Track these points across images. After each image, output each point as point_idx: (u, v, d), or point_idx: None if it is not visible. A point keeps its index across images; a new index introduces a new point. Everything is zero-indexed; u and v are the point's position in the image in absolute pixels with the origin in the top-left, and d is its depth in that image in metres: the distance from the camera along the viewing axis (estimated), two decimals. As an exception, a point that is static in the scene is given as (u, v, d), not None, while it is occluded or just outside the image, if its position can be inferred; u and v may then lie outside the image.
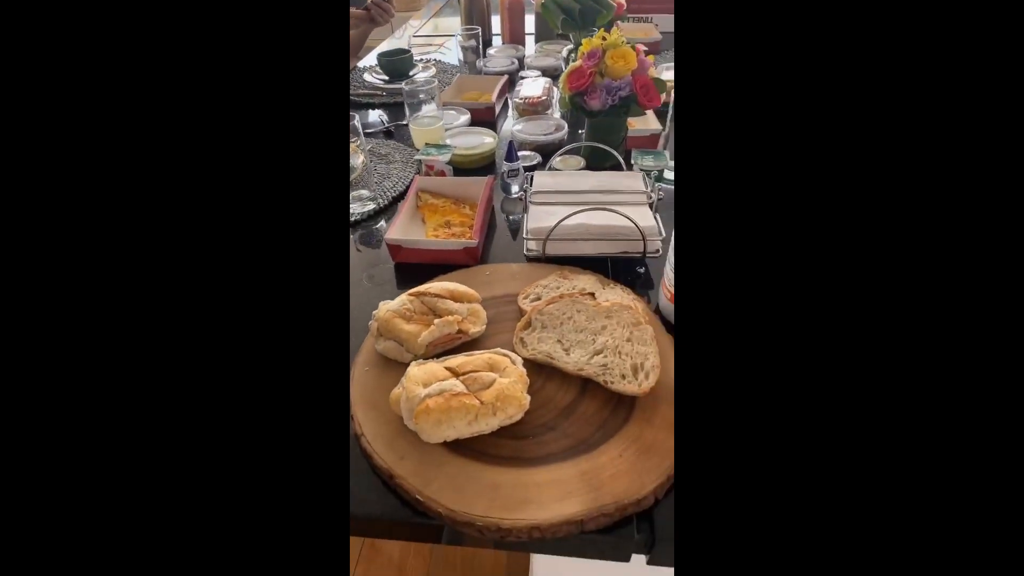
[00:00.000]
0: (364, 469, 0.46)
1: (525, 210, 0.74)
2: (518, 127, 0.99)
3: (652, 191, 0.73)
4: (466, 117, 1.05)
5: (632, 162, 0.81)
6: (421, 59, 1.46)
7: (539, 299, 0.60)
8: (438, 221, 0.78)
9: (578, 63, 0.83)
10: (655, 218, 0.69)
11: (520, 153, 0.92)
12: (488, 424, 0.44)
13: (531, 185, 0.76)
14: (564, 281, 0.62)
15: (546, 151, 0.97)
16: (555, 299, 0.56)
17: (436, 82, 1.01)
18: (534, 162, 0.91)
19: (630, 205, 0.71)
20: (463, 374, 0.47)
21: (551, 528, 0.39)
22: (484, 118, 1.10)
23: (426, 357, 0.52)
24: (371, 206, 0.85)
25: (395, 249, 0.71)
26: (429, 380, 0.46)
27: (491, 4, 1.54)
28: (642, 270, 0.68)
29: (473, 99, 1.15)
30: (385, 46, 1.70)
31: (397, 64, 1.30)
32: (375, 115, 1.19)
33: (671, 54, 1.40)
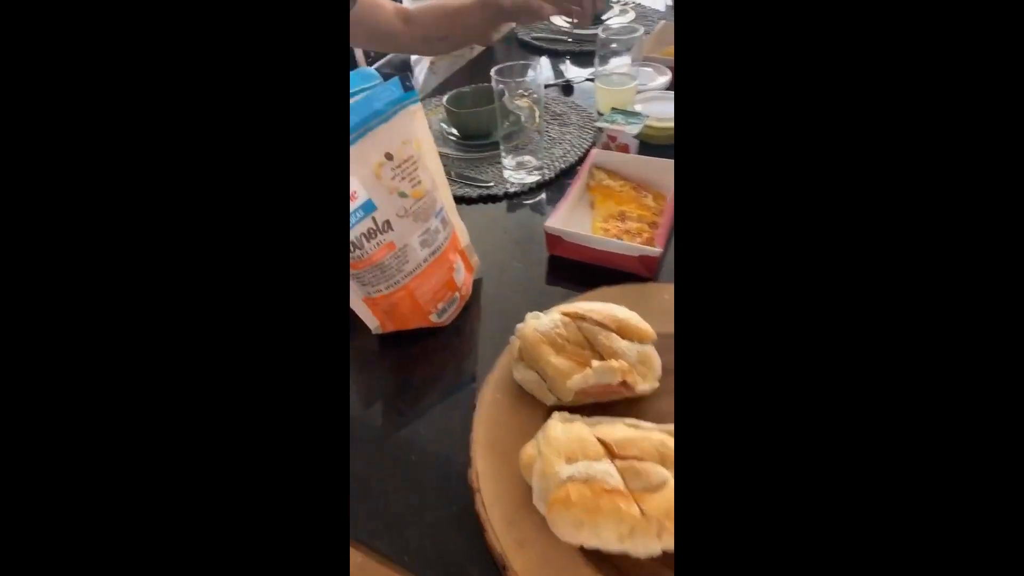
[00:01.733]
0: (473, 530, 0.37)
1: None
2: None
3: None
4: (666, 78, 0.86)
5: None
6: (618, 1, 1.26)
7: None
8: (610, 210, 0.64)
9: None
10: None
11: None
12: (647, 547, 0.32)
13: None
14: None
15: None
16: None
17: (641, 30, 0.83)
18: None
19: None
20: (623, 458, 0.34)
21: None
22: (685, 81, 0.90)
23: (573, 406, 0.41)
24: (536, 177, 0.73)
25: (553, 240, 0.59)
26: (574, 452, 0.34)
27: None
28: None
29: (672, 54, 0.95)
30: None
31: (591, 5, 1.12)
32: (555, 65, 1.04)
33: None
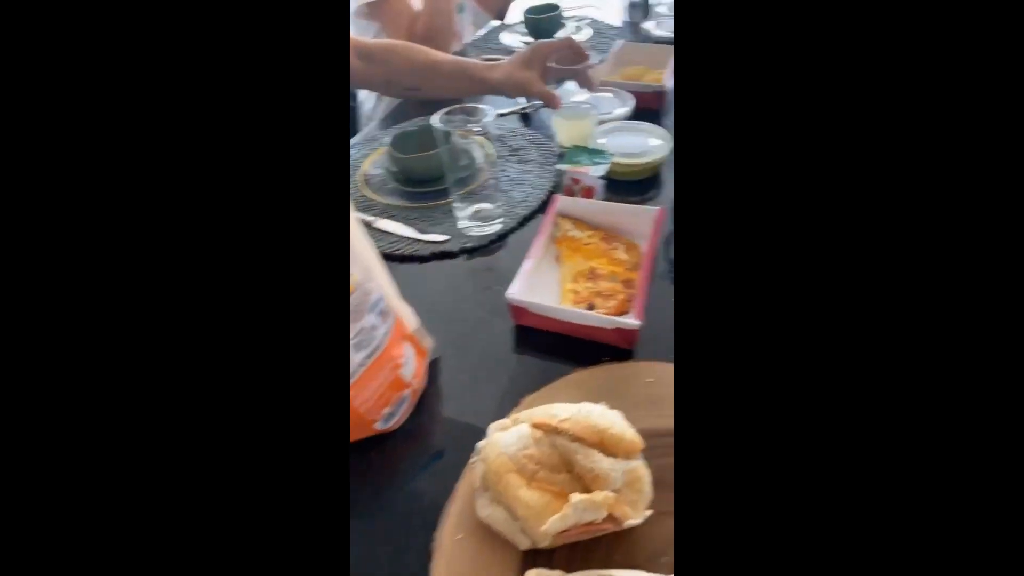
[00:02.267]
0: None
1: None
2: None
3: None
4: (628, 107, 0.80)
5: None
6: (574, 17, 1.20)
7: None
8: (579, 267, 0.57)
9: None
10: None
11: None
12: None
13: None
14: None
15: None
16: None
17: (598, 59, 0.77)
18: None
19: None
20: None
21: None
22: (649, 105, 0.84)
23: (552, 548, 0.33)
24: (495, 226, 0.65)
25: (518, 311, 0.52)
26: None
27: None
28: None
29: (635, 76, 0.89)
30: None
31: (542, 23, 1.06)
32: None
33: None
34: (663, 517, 0.36)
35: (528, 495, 0.34)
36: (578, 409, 0.37)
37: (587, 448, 0.35)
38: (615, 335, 0.48)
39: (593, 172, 0.64)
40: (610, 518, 0.33)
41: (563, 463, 0.35)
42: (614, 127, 0.75)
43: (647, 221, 0.58)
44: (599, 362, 0.47)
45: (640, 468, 0.36)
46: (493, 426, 0.39)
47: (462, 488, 0.38)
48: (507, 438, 0.37)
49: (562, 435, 0.36)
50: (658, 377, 0.44)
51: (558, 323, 0.50)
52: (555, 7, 1.08)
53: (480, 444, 0.38)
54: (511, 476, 0.35)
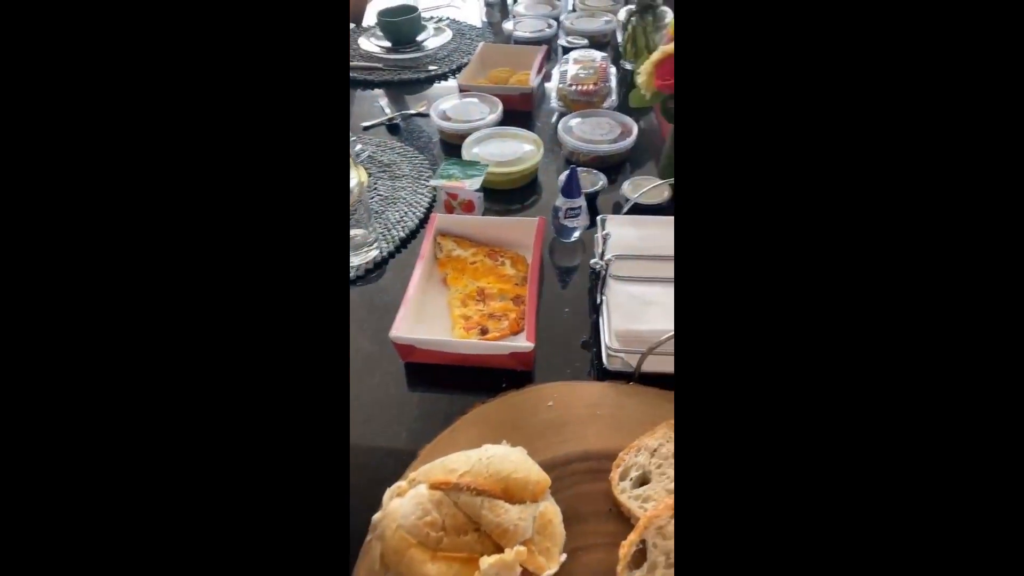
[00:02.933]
0: None
1: (600, 289, 0.49)
2: (570, 127, 0.73)
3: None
4: (497, 112, 0.78)
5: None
6: (433, 18, 1.15)
7: (645, 482, 0.37)
8: (466, 288, 0.54)
9: (670, 48, 0.56)
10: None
11: (582, 171, 0.66)
12: None
13: (607, 243, 0.51)
14: (682, 440, 0.38)
15: (605, 164, 0.71)
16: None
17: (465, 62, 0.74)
18: (596, 186, 0.65)
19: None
20: None
21: None
22: (519, 108, 0.83)
23: (468, 622, 0.30)
24: (371, 254, 0.60)
25: (405, 349, 0.48)
26: None
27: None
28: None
29: (501, 80, 0.88)
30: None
31: (401, 26, 1.00)
32: (371, 100, 0.91)
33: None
34: (579, 553, 0.34)
35: (435, 570, 0.30)
36: (479, 457, 0.35)
37: (492, 500, 0.32)
38: (511, 359, 0.46)
39: (469, 185, 0.61)
40: (525, 573, 0.31)
41: (469, 522, 0.32)
42: (484, 135, 0.72)
43: (530, 232, 0.56)
44: (499, 390, 0.45)
45: (550, 509, 0.34)
46: (388, 492, 0.35)
47: (360, 573, 0.33)
48: (404, 506, 0.33)
49: (464, 492, 0.33)
50: (557, 399, 0.43)
51: (451, 356, 0.47)
52: (412, 8, 1.03)
53: (375, 518, 0.34)
54: (413, 551, 0.31)
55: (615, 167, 0.72)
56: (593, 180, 0.66)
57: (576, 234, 0.59)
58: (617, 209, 0.64)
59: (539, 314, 0.53)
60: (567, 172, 0.56)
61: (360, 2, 1.16)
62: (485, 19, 1.10)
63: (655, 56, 0.57)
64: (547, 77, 0.90)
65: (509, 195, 0.69)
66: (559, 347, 0.50)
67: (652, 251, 0.50)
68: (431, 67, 0.97)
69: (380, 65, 0.97)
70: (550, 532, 0.33)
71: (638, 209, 0.61)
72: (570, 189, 0.56)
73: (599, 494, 0.37)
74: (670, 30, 0.58)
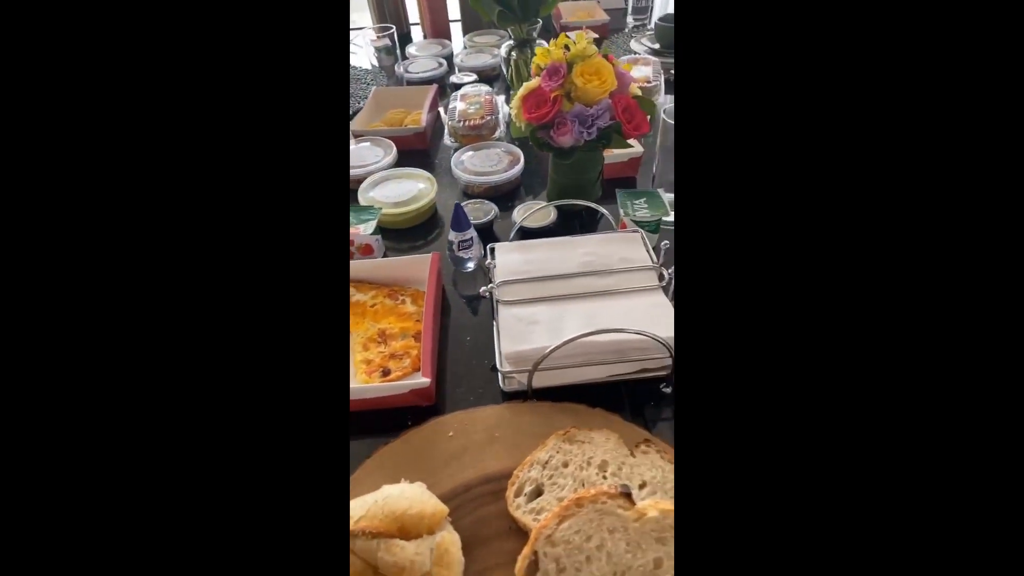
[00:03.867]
0: None
1: (493, 314, 0.52)
2: (462, 162, 0.76)
3: (661, 266, 0.53)
4: (392, 154, 0.80)
5: (621, 210, 0.61)
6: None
7: (539, 494, 0.39)
8: (367, 333, 0.55)
9: (534, 83, 0.61)
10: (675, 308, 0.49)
11: (469, 204, 0.69)
12: None
13: (494, 271, 0.54)
14: (571, 449, 0.41)
15: (499, 192, 0.75)
16: (569, 508, 0.35)
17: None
18: (489, 216, 0.68)
19: (637, 292, 0.51)
20: None
21: None
22: (415, 147, 0.86)
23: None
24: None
25: (308, 401, 0.48)
26: None
27: (404, -12, 1.27)
28: (669, 389, 0.48)
29: (396, 122, 0.90)
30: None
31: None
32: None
33: (625, 39, 1.20)
34: (482, 575, 0.36)
35: (332, 620, 0.31)
36: (374, 500, 0.36)
37: (388, 541, 0.34)
38: (412, 396, 0.48)
39: (364, 230, 0.62)
40: (425, 605, 0.32)
41: (367, 567, 0.33)
42: (380, 177, 0.74)
43: (423, 267, 0.58)
44: (405, 428, 0.46)
45: (447, 538, 0.35)
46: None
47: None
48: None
49: (360, 537, 0.34)
50: (457, 428, 0.45)
51: (354, 403, 0.48)
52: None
53: None
54: (310, 606, 0.31)
55: (508, 195, 0.75)
56: (485, 211, 0.69)
57: (471, 264, 0.62)
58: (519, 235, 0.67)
59: (445, 345, 0.55)
60: (454, 208, 0.59)
61: None
62: (375, 63, 1.13)
63: (521, 91, 0.62)
64: (439, 122, 0.93)
65: (410, 233, 0.71)
66: (464, 376, 0.51)
67: (536, 273, 0.53)
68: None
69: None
70: (447, 561, 0.34)
71: (530, 234, 0.65)
72: (459, 223, 0.59)
73: (499, 514, 0.39)
74: (535, 65, 0.62)
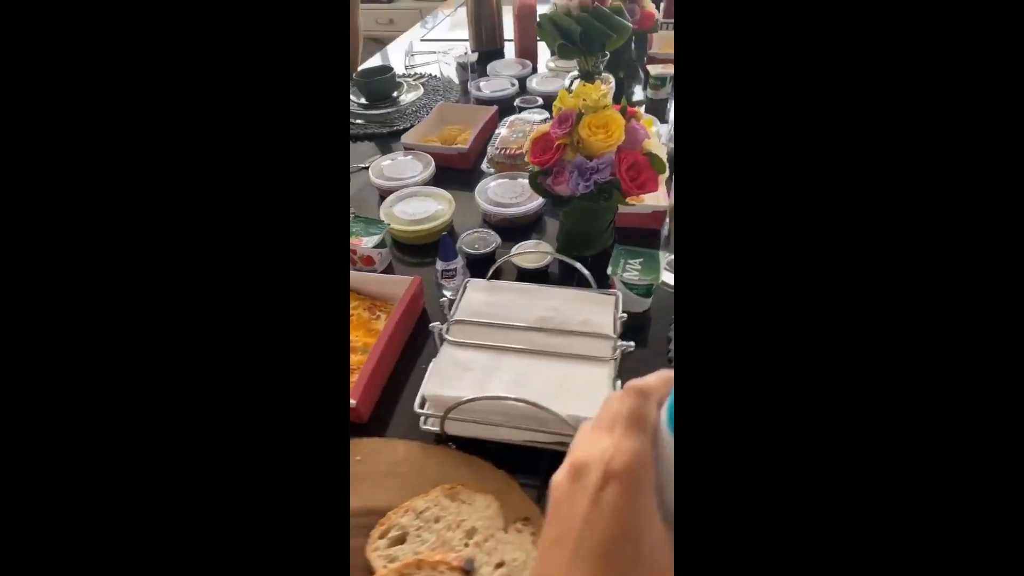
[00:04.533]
0: None
1: (438, 346, 0.53)
2: (487, 189, 0.78)
3: (617, 344, 0.50)
4: (429, 171, 0.84)
5: (609, 271, 0.59)
6: (417, 72, 1.25)
7: (402, 542, 0.40)
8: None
9: (546, 128, 0.60)
10: (615, 389, 0.46)
11: (478, 232, 0.71)
12: None
13: (455, 305, 0.55)
14: (449, 506, 0.41)
15: (515, 225, 0.75)
16: (409, 567, 0.35)
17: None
18: (489, 248, 0.69)
19: (581, 360, 0.49)
20: None
21: None
22: (457, 166, 0.89)
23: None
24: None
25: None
26: None
27: (501, 5, 1.31)
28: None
29: (450, 139, 0.94)
30: (401, 43, 1.51)
31: (375, 86, 1.10)
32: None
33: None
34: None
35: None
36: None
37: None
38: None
39: (366, 243, 0.67)
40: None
41: None
42: (408, 192, 0.78)
43: (401, 289, 0.61)
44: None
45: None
46: None
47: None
48: None
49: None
50: (366, 454, 0.47)
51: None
52: (388, 69, 1.13)
53: None
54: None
55: (524, 229, 0.76)
56: (487, 241, 0.70)
57: (448, 295, 0.63)
58: (518, 271, 0.67)
59: (403, 369, 0.57)
60: (441, 237, 0.61)
61: (353, 56, 1.28)
62: (456, 78, 1.18)
63: (533, 133, 0.62)
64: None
65: (423, 249, 0.74)
66: (407, 403, 0.53)
67: (491, 318, 0.53)
68: (399, 123, 1.06)
69: (357, 120, 1.07)
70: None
71: (525, 274, 0.65)
72: (444, 252, 0.61)
73: (362, 550, 0.40)
74: (556, 107, 0.62)
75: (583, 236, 0.67)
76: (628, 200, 0.59)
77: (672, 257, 0.64)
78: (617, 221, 0.71)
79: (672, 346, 0.56)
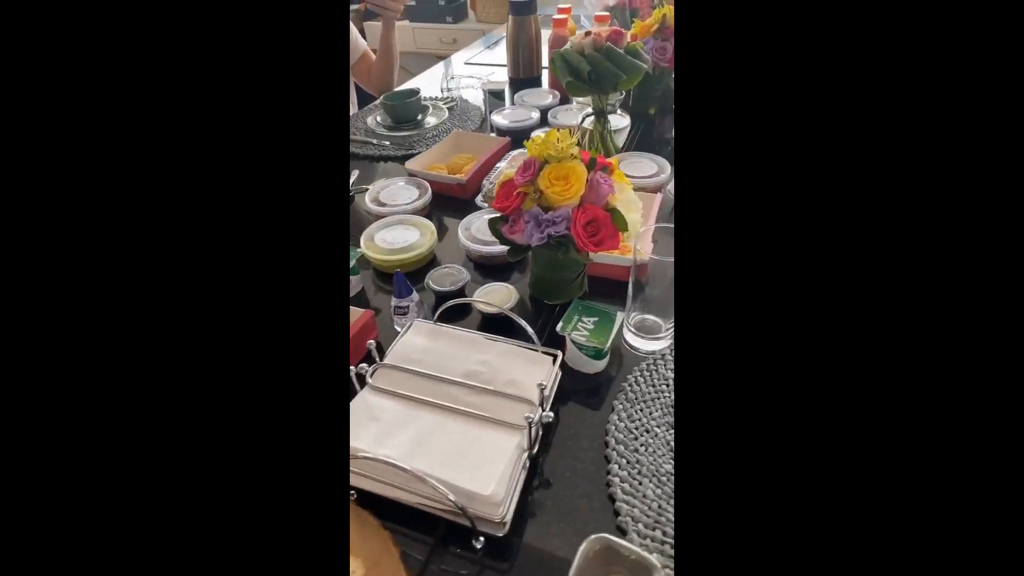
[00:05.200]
0: None
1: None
2: (470, 223, 0.77)
3: (539, 410, 0.46)
4: (424, 199, 0.84)
5: (559, 327, 0.55)
6: (449, 96, 1.27)
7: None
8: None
9: (511, 172, 0.59)
10: (519, 468, 0.43)
11: (448, 268, 0.70)
12: None
13: (389, 347, 0.54)
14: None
15: (492, 263, 0.73)
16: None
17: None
18: (458, 285, 0.68)
19: (493, 426, 0.46)
20: None
21: None
22: (458, 196, 0.89)
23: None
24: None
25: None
26: None
27: (540, 33, 1.30)
28: (480, 544, 0.43)
29: (457, 167, 0.94)
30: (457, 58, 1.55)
31: (399, 109, 1.12)
32: (364, 172, 1.03)
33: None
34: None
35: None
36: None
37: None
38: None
39: (335, 269, 0.67)
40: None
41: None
42: (395, 220, 0.79)
43: (355, 321, 0.61)
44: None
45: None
46: None
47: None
48: None
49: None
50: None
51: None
52: (414, 92, 1.15)
53: None
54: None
55: (504, 268, 0.74)
56: (456, 279, 0.69)
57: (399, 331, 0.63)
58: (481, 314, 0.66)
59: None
60: (395, 274, 0.60)
61: (389, 77, 1.32)
62: (483, 106, 1.19)
63: (501, 177, 0.60)
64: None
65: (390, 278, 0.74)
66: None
67: (423, 366, 0.51)
68: (417, 146, 1.07)
69: (373, 141, 1.10)
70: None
71: (488, 317, 0.63)
72: (397, 289, 0.60)
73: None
74: (531, 151, 0.60)
75: (551, 283, 0.65)
76: (584, 257, 0.56)
77: (641, 317, 0.60)
78: (593, 269, 0.67)
79: (615, 417, 0.52)
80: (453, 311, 0.64)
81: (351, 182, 0.96)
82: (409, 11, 2.51)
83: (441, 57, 2.18)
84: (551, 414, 0.46)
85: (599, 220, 0.54)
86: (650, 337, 0.59)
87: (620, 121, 0.94)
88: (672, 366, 0.56)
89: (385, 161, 1.05)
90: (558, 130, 0.57)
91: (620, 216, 0.54)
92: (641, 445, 0.49)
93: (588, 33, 0.83)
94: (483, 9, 2.40)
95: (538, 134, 0.58)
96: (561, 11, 1.30)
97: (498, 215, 0.59)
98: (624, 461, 0.47)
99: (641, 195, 0.78)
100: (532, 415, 0.44)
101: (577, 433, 0.51)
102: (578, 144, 0.94)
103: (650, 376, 0.55)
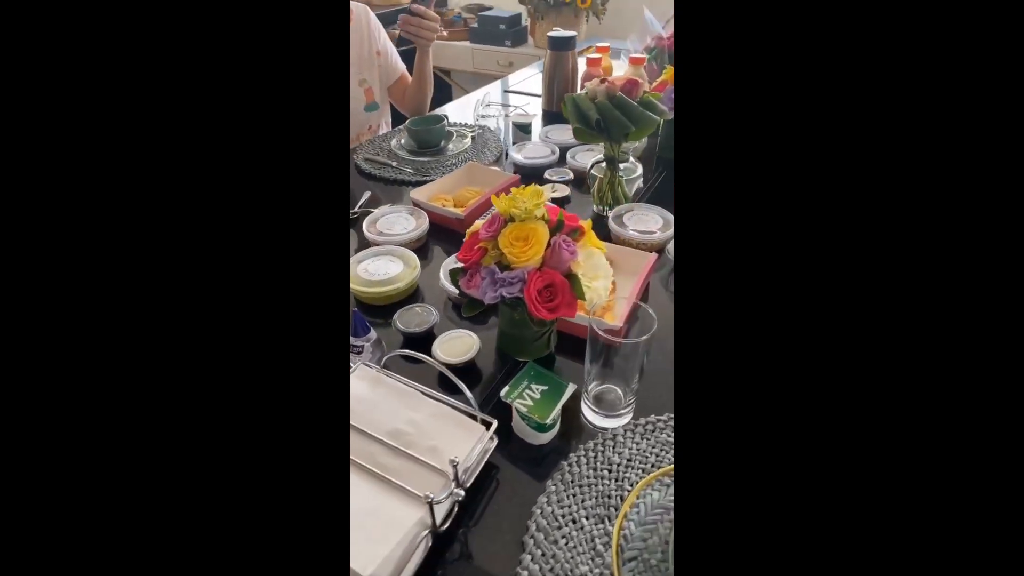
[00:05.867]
0: None
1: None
2: (452, 263, 0.75)
3: (454, 480, 0.44)
4: (421, 229, 0.84)
5: (503, 393, 0.53)
6: (477, 124, 1.27)
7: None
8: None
9: (479, 225, 0.57)
10: (416, 546, 0.41)
11: (418, 308, 0.69)
12: None
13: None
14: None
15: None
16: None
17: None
18: (426, 326, 0.66)
19: (399, 497, 0.44)
20: None
21: None
22: (455, 229, 0.88)
23: None
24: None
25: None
26: None
27: (576, 67, 1.29)
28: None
29: (463, 201, 0.93)
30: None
31: (423, 135, 1.14)
32: (387, 194, 1.05)
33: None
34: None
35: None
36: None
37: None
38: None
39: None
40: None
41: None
42: (383, 251, 0.79)
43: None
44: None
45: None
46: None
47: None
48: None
49: None
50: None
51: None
52: (439, 119, 1.16)
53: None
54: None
55: (481, 313, 0.72)
56: (424, 320, 0.67)
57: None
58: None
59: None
60: (353, 313, 0.60)
61: (422, 101, 1.34)
62: (503, 138, 1.18)
63: (471, 228, 0.58)
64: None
65: (386, 310, 0.73)
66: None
67: (354, 416, 0.50)
68: (433, 173, 1.07)
69: (393, 163, 1.11)
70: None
71: (451, 366, 0.61)
72: (354, 327, 0.59)
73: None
74: (498, 205, 0.58)
75: (514, 340, 0.62)
76: (539, 324, 0.53)
77: (604, 387, 0.56)
78: (566, 327, 0.64)
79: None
80: (427, 350, 0.62)
81: (360, 203, 0.97)
82: (471, 32, 2.57)
83: (496, 78, 2.21)
84: (461, 492, 0.43)
85: (557, 285, 0.51)
86: (607, 414, 0.55)
87: (632, 170, 0.91)
88: (619, 449, 0.52)
89: (400, 185, 1.06)
90: (527, 187, 0.55)
91: (579, 284, 0.51)
92: (563, 537, 0.45)
93: (603, 81, 0.80)
94: (541, 36, 2.42)
95: (525, 187, 0.55)
96: (599, 49, 1.28)
97: (460, 265, 0.57)
98: (539, 553, 0.44)
99: (633, 254, 0.75)
100: (433, 494, 0.42)
101: (501, 510, 0.48)
102: (591, 192, 0.90)
103: (594, 458, 0.51)
